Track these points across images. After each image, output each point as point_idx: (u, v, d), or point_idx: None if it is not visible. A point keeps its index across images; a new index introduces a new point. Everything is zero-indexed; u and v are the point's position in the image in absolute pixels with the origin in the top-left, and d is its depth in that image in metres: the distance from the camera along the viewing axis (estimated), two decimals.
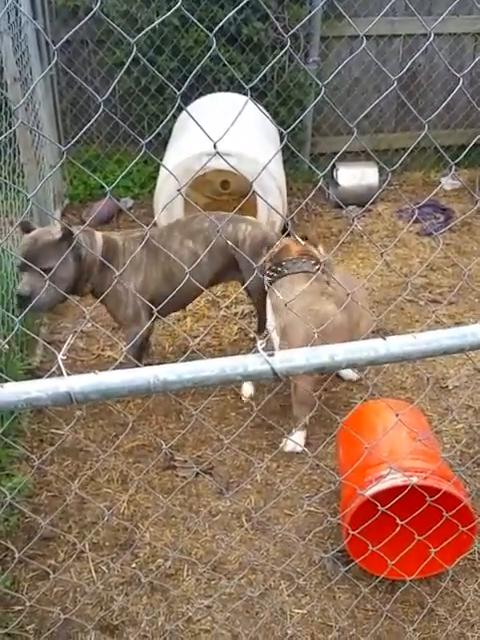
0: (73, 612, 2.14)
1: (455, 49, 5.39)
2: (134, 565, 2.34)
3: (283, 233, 4.49)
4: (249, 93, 1.19)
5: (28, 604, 2.05)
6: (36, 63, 4.45)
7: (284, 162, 4.92)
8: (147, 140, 1.13)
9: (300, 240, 2.99)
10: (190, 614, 2.19)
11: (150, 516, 2.51)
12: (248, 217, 3.18)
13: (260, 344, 1.18)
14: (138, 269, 2.90)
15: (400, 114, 5.55)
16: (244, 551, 2.38)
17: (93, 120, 1.15)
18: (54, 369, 1.09)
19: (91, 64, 4.96)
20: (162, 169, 4.19)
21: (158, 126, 4.81)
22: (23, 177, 3.75)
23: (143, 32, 1.14)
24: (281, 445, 2.80)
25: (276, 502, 2.56)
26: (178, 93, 1.12)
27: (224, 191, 4.83)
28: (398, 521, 1.87)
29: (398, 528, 1.89)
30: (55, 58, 0.95)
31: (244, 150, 3.78)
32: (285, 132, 1.22)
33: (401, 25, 5.17)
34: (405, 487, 2.08)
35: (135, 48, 1.03)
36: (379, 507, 1.84)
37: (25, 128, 3.73)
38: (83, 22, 1.15)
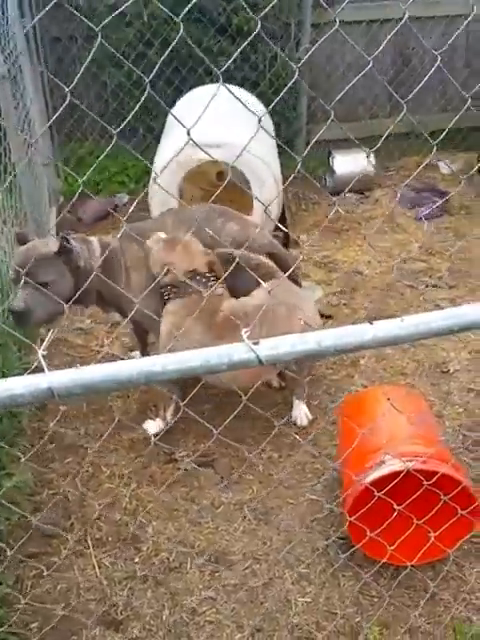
0: (76, 608, 2.15)
1: (447, 33, 5.34)
2: (137, 560, 2.34)
3: (282, 221, 4.47)
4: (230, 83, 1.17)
5: (23, 602, 2.05)
6: (25, 60, 4.43)
7: (280, 151, 4.90)
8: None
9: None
10: (194, 606, 2.19)
11: (152, 510, 2.51)
12: (244, 216, 3.11)
13: (245, 332, 1.16)
14: (140, 266, 2.82)
15: (394, 99, 5.51)
16: (247, 542, 2.38)
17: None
18: (35, 365, 1.08)
19: (81, 60, 4.93)
20: (155, 163, 4.17)
21: (150, 120, 4.76)
22: (14, 176, 3.73)
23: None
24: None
25: (278, 492, 2.56)
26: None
27: (220, 183, 4.81)
28: (395, 506, 1.86)
29: (396, 513, 1.88)
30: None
31: (235, 140, 3.75)
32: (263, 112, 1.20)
33: (392, 10, 5.11)
34: (405, 472, 2.08)
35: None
36: (376, 493, 1.84)
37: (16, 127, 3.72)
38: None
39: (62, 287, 2.58)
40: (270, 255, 2.88)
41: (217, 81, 5.02)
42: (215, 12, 4.76)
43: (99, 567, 2.32)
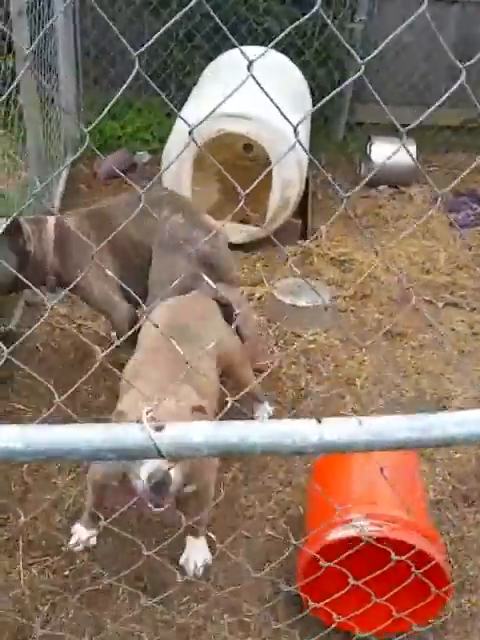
0: None
1: None
2: (67, 573, 2.13)
3: (303, 208, 4.11)
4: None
5: None
6: None
7: (317, 130, 4.53)
8: None
9: None
10: (117, 638, 1.98)
11: None
12: (200, 214, 2.71)
13: (147, 413, 0.89)
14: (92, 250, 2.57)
15: (451, 87, 5.05)
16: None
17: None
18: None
19: (117, 2, 4.58)
20: (176, 124, 3.84)
21: (183, 76, 4.39)
22: (21, 120, 3.44)
23: None
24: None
25: (236, 521, 2.31)
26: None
27: (246, 155, 4.46)
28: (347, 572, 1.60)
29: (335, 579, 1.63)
30: None
31: (262, 114, 3.40)
32: None
33: None
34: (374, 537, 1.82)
35: None
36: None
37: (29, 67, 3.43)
38: None
39: (4, 269, 2.34)
40: (205, 264, 2.51)
41: (260, 42, 4.65)
42: None
43: (24, 575, 2.12)
